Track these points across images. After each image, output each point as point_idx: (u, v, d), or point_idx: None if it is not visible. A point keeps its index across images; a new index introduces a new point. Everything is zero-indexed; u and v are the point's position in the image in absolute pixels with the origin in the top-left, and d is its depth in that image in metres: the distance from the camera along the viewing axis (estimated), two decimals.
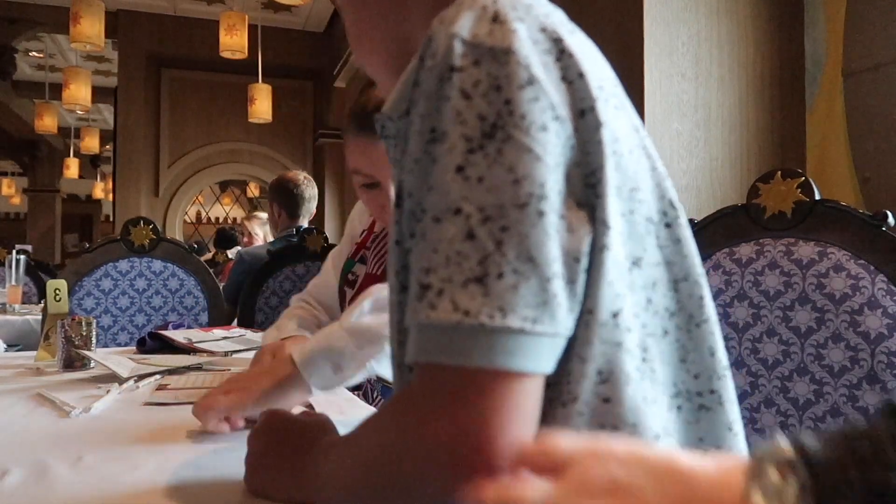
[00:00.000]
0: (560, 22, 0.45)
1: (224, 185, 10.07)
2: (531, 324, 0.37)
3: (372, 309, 0.82)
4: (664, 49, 1.78)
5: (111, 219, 11.01)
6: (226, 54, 5.40)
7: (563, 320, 0.39)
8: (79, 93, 5.82)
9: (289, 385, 0.77)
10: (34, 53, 8.03)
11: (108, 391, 1.00)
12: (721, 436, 0.47)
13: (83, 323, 1.29)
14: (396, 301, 0.49)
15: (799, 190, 1.18)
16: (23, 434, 0.78)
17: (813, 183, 1.16)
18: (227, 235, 5.34)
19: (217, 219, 10.58)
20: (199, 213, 10.30)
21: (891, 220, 1.08)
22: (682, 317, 0.47)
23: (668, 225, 0.48)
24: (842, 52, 1.72)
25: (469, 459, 0.36)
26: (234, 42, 5.36)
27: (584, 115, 0.43)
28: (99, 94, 6.98)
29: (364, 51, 0.63)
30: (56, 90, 7.75)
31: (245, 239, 3.77)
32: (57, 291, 1.39)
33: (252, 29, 5.57)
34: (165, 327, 1.64)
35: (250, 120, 6.15)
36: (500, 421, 0.37)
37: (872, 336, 1.05)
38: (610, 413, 0.42)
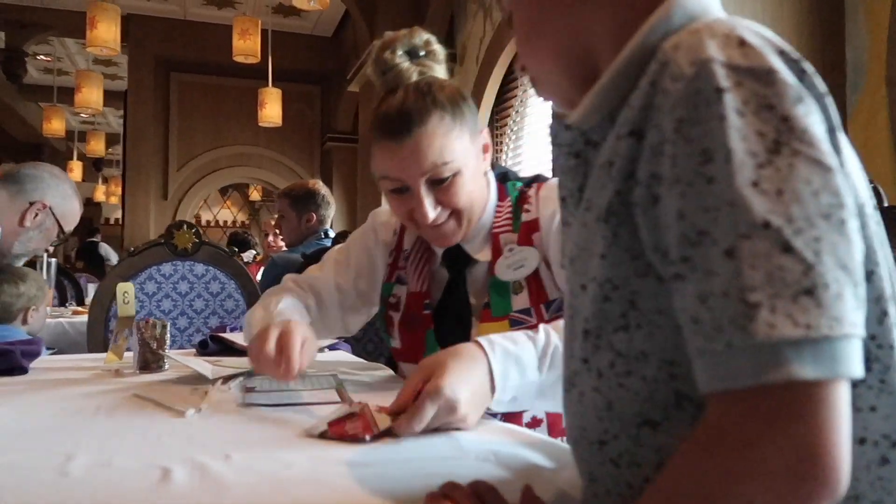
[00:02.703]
0: (789, 46, 0.46)
1: (224, 190, 10.07)
2: (856, 328, 0.39)
3: (553, 362, 0.87)
4: None
5: (115, 221, 10.98)
6: (239, 58, 5.42)
7: (864, 322, 0.41)
8: (91, 96, 5.84)
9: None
10: (42, 57, 8.02)
11: (206, 392, 1.02)
12: None
13: (158, 325, 1.31)
14: (598, 310, 0.50)
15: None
16: (153, 434, 0.80)
17: (882, 190, 1.19)
18: (240, 239, 5.35)
19: (225, 222, 10.58)
20: (198, 216, 10.29)
21: None
22: None
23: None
24: (885, 61, 1.75)
25: (815, 474, 0.37)
26: (247, 46, 5.38)
27: (833, 134, 0.45)
28: (106, 97, 6.98)
29: (531, 44, 0.61)
30: (63, 94, 7.75)
31: (270, 238, 3.77)
32: (125, 294, 1.41)
33: (262, 33, 5.58)
34: (223, 330, 1.66)
35: (260, 124, 6.17)
36: (837, 430, 0.38)
37: None
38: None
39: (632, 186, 0.47)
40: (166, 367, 1.30)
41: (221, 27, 6.35)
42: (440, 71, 1.12)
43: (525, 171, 3.90)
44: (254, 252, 5.12)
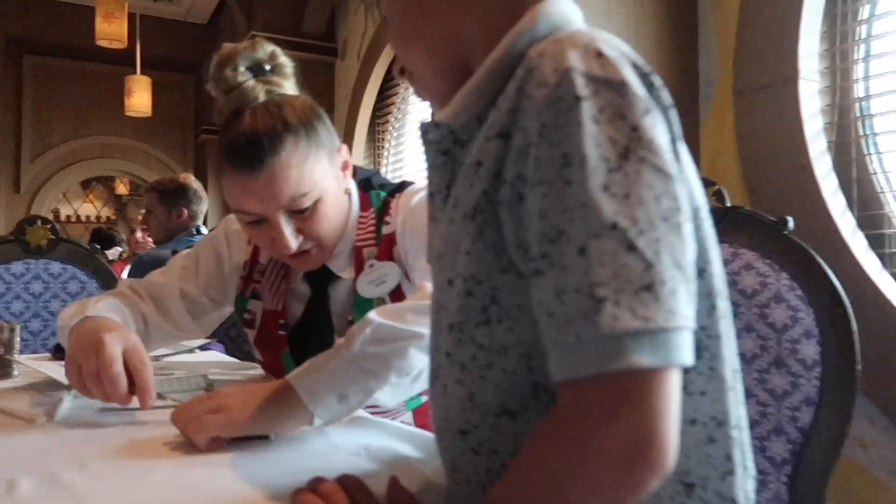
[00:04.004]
0: (641, 59, 0.50)
1: (87, 183, 9.40)
2: (688, 321, 0.43)
3: (374, 337, 0.78)
4: None
5: None
6: (102, 43, 5.07)
7: (695, 315, 0.45)
8: None
9: (294, 417, 0.75)
10: None
11: (60, 399, 0.96)
12: (743, 423, 0.55)
13: (5, 328, 1.21)
14: (461, 305, 0.51)
15: (713, 197, 1.33)
16: (1, 445, 0.74)
17: (725, 192, 1.31)
18: (104, 235, 5.02)
19: (88, 217, 9.86)
20: (57, 211, 9.54)
21: (790, 224, 1.24)
22: (728, 320, 0.54)
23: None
24: (732, 73, 1.92)
25: (648, 456, 0.40)
26: (112, 30, 5.04)
27: (674, 143, 0.49)
28: None
29: (407, 43, 0.62)
30: None
31: (138, 234, 3.57)
32: None
33: (130, 17, 5.26)
34: None
35: (127, 113, 5.81)
36: (667, 414, 0.41)
37: (778, 326, 1.19)
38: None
39: (498, 186, 0.49)
40: (15, 373, 1.20)
41: (83, 8, 5.93)
42: (289, 87, 1.02)
43: (406, 169, 3.93)
44: (120, 249, 4.83)
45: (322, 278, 1.09)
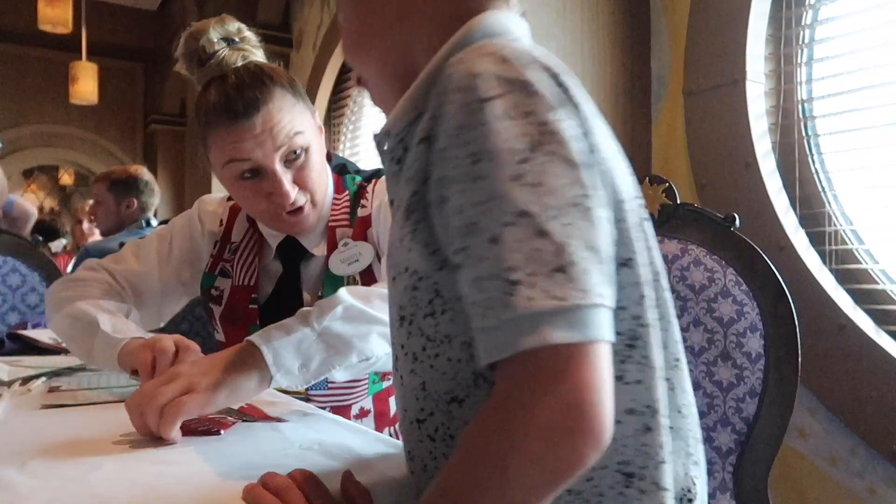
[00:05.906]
0: (555, 62, 0.53)
1: (28, 172, 9.06)
2: (604, 299, 0.44)
3: (343, 316, 0.81)
4: None
5: None
6: (46, 28, 4.88)
7: (613, 294, 0.47)
8: None
9: (256, 378, 0.77)
10: None
11: None
12: (685, 411, 0.57)
13: None
14: (410, 298, 0.53)
15: (664, 194, 1.35)
16: None
17: (675, 188, 1.34)
18: (47, 227, 4.85)
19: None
20: None
21: (737, 222, 1.28)
22: (661, 309, 0.55)
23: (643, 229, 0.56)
24: (683, 74, 1.97)
25: (581, 427, 0.42)
26: (55, 15, 4.86)
27: (585, 138, 0.51)
28: None
29: (360, 53, 0.65)
30: None
31: (84, 225, 3.48)
32: None
33: (76, 1, 5.08)
34: (24, 326, 1.50)
35: (72, 101, 5.61)
36: (597, 387, 0.43)
37: (725, 320, 1.23)
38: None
39: (427, 188, 0.51)
40: None
41: None
42: (260, 56, 1.08)
43: (363, 163, 3.90)
44: (64, 241, 4.68)
45: (294, 255, 1.12)
